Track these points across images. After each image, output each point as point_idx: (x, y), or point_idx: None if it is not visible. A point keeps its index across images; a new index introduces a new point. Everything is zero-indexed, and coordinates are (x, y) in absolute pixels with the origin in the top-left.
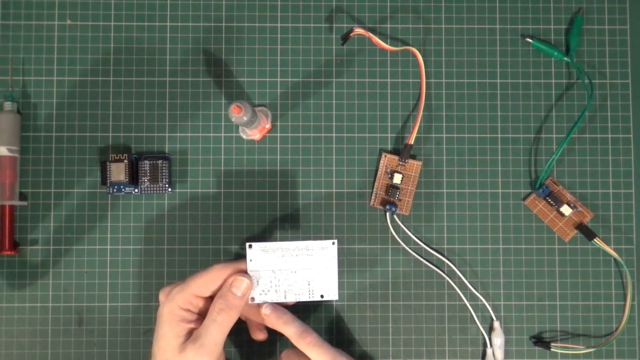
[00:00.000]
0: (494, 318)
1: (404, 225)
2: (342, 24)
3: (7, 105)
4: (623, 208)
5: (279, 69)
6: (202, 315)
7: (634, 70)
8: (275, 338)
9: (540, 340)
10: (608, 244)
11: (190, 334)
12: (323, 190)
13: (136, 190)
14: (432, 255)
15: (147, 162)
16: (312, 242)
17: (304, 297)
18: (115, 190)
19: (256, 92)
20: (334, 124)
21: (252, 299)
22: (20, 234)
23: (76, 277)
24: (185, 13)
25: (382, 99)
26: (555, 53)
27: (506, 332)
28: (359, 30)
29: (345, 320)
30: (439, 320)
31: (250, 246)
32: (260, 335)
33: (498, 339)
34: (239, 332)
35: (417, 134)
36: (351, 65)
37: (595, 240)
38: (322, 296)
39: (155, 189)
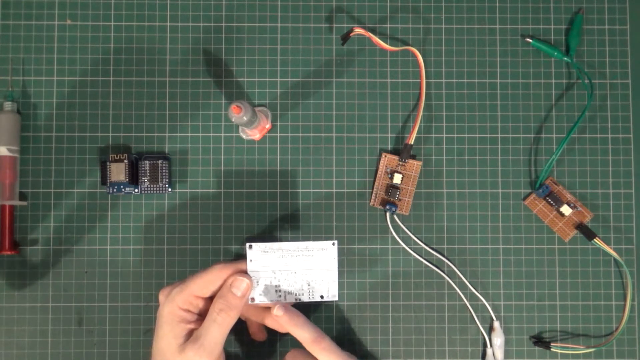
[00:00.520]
0: (494, 318)
1: (404, 225)
2: (342, 24)
3: (7, 105)
4: (623, 208)
5: (279, 69)
6: (202, 316)
7: (634, 70)
8: (275, 338)
9: (540, 340)
10: (608, 244)
11: (190, 335)
12: (323, 190)
13: (136, 190)
14: (432, 255)
15: (147, 162)
16: (312, 242)
17: (304, 298)
18: (115, 190)
19: (256, 92)
20: (334, 124)
21: (252, 299)
22: (20, 234)
23: (76, 277)
24: (185, 13)
25: (382, 99)
26: (555, 53)
27: (506, 332)
28: (359, 30)
29: (345, 320)
30: (439, 320)
31: (250, 246)
32: (260, 336)
33: (498, 339)
34: (239, 332)
35: (417, 134)
36: (351, 65)
37: (595, 240)
38: (322, 297)
39: (155, 189)
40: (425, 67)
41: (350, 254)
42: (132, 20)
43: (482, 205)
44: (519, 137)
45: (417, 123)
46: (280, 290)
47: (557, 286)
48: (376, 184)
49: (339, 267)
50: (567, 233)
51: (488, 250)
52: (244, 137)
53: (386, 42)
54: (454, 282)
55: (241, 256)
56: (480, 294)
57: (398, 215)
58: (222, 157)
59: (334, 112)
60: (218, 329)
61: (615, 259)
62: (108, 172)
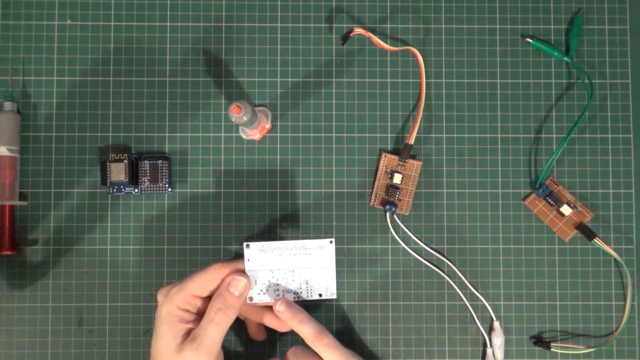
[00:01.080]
0: (494, 318)
1: (404, 225)
2: (342, 24)
3: (7, 105)
4: (623, 208)
5: (279, 69)
6: (200, 315)
7: (634, 70)
8: (275, 338)
9: (540, 340)
10: (608, 244)
11: (188, 334)
12: (323, 190)
13: (136, 190)
14: (432, 255)
15: (147, 162)
16: (309, 241)
17: (303, 296)
18: (115, 190)
19: (256, 92)
20: (334, 124)
21: (251, 298)
22: (20, 234)
23: (76, 277)
24: (185, 13)
25: (382, 99)
26: (555, 53)
27: (506, 332)
28: (359, 30)
29: (345, 320)
30: (439, 320)
31: (247, 246)
32: (259, 336)
33: (498, 339)
34: (238, 332)
35: (417, 134)
36: (351, 65)
37: (595, 240)
38: (320, 295)
39: (155, 189)
40: (425, 67)
41: (350, 253)
42: (132, 20)
43: (482, 205)
44: (519, 137)
45: (417, 123)
46: (278, 289)
47: (557, 286)
48: (376, 184)
49: (338, 267)
50: (567, 233)
51: (488, 250)
52: (244, 137)
53: (386, 42)
54: (454, 282)
55: (240, 256)
56: (480, 294)
57: (398, 215)
58: (222, 157)
59: (334, 112)
60: (216, 328)
61: (615, 259)
62: (108, 172)
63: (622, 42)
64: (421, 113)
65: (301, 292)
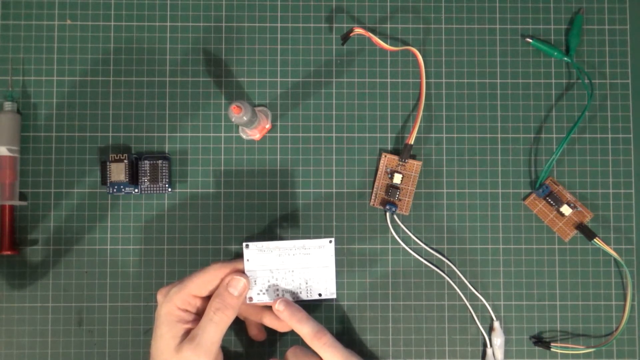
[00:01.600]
0: (494, 318)
1: (404, 225)
2: (342, 24)
3: (7, 105)
4: (623, 208)
5: (279, 69)
6: (200, 315)
7: (634, 70)
8: (275, 338)
9: (540, 340)
10: (608, 244)
11: (187, 334)
12: (323, 190)
13: (136, 190)
14: (432, 255)
15: (147, 162)
16: (309, 240)
17: (302, 296)
18: (115, 190)
19: (256, 92)
20: (334, 124)
21: (250, 298)
22: (20, 234)
23: (76, 277)
24: (185, 13)
25: (382, 99)
26: (555, 53)
27: (506, 332)
28: (359, 30)
29: (345, 320)
30: (439, 320)
31: (247, 246)
32: (259, 336)
33: (498, 339)
34: (238, 332)
35: (417, 134)
36: (351, 65)
37: (595, 240)
38: (320, 295)
39: (155, 189)
40: (425, 67)
41: (350, 253)
42: (132, 20)
43: (482, 205)
44: (519, 137)
45: (417, 123)
46: (278, 289)
47: (557, 286)
48: (376, 184)
49: (338, 267)
50: (567, 233)
51: (488, 250)
52: (244, 137)
53: (386, 42)
54: (454, 282)
55: (240, 256)
56: (480, 294)
57: (398, 215)
58: (222, 157)
59: (334, 112)
60: (215, 328)
61: (615, 259)
62: (108, 172)
63: (622, 42)
64: (421, 113)
65: (301, 292)
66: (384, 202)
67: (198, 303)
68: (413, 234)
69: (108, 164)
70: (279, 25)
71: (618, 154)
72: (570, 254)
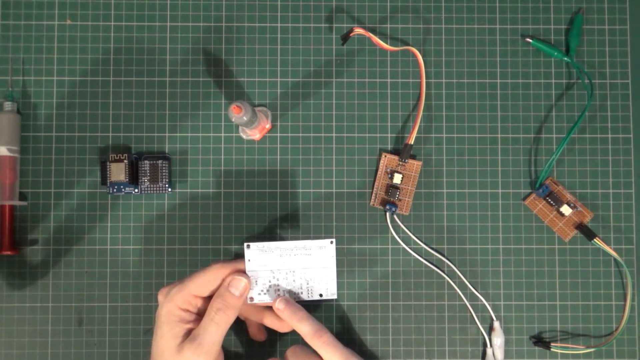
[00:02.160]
0: (494, 318)
1: (404, 225)
2: (342, 24)
3: (7, 105)
4: (623, 208)
5: (279, 69)
6: (200, 316)
7: (634, 70)
8: (275, 338)
9: (540, 340)
10: (608, 244)
11: (188, 334)
12: (323, 190)
13: (136, 190)
14: (432, 255)
15: (147, 162)
16: (310, 241)
17: (303, 297)
18: (115, 190)
19: (256, 92)
20: (334, 124)
21: (251, 299)
22: (20, 234)
23: (76, 277)
24: (185, 13)
25: (382, 99)
26: (555, 53)
27: (506, 332)
28: (359, 30)
29: (345, 320)
30: (439, 320)
31: (248, 246)
32: (259, 336)
33: (498, 339)
34: (239, 332)
35: (417, 134)
36: (351, 65)
37: (595, 240)
38: (320, 295)
39: (155, 189)
40: (425, 67)
41: (350, 254)
42: (132, 20)
43: (482, 205)
44: (519, 137)
45: (417, 123)
46: (279, 290)
47: (557, 286)
48: (376, 184)
49: (338, 267)
50: (567, 233)
51: (488, 250)
52: (244, 137)
53: (386, 42)
54: (454, 282)
55: (240, 256)
56: (480, 294)
57: (398, 215)
58: (222, 157)
59: (334, 112)
60: (216, 328)
61: (615, 259)
62: (108, 172)
63: (622, 42)
64: (421, 113)
65: (302, 293)
66: (384, 202)
67: (199, 303)
68: (413, 234)
69: (108, 164)
70: (279, 25)
71: (618, 154)
72: (570, 254)
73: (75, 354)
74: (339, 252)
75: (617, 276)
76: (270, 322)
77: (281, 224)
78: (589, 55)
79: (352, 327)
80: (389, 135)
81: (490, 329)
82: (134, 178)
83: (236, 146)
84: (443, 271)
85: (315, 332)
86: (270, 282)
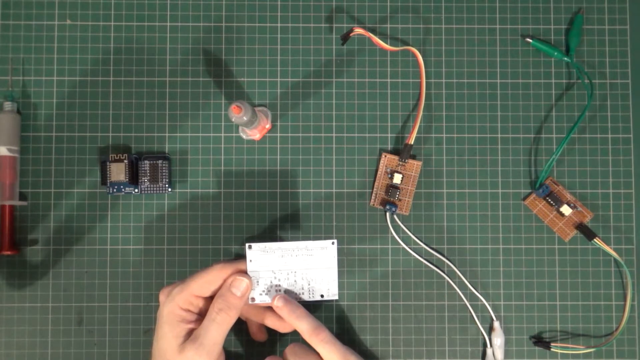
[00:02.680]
0: (494, 318)
1: (404, 225)
2: (342, 24)
3: (7, 105)
4: (623, 208)
5: (279, 69)
6: (202, 316)
7: (634, 70)
8: (275, 338)
9: (540, 340)
10: (608, 244)
11: (190, 334)
12: (323, 190)
13: (136, 190)
14: (432, 255)
15: (147, 162)
16: (311, 242)
17: (304, 297)
18: (115, 190)
19: (256, 92)
20: (334, 124)
21: (252, 299)
22: (20, 234)
23: (76, 277)
24: (185, 13)
25: (382, 99)
26: (555, 53)
27: (506, 332)
28: (359, 30)
29: (345, 320)
30: (439, 320)
31: (250, 247)
32: (260, 336)
33: (498, 339)
34: (239, 332)
35: (417, 134)
36: (351, 65)
37: (595, 240)
38: (322, 296)
39: (155, 189)
40: (425, 67)
41: (350, 254)
42: (132, 20)
43: (482, 205)
44: (519, 137)
45: (417, 123)
46: (280, 290)
47: (557, 286)
48: (376, 184)
49: (339, 267)
50: (567, 233)
51: (488, 250)
52: (244, 137)
53: (386, 42)
54: (454, 282)
55: (241, 256)
56: (480, 294)
57: (398, 215)
58: (222, 157)
59: (334, 112)
60: (217, 328)
61: (615, 259)
62: (108, 172)
63: (622, 42)
64: (421, 113)
65: (303, 293)
66: (384, 202)
67: (200, 303)
68: (413, 234)
69: (108, 164)
70: (279, 25)
71: (618, 154)
72: (570, 254)
73: (75, 354)
74: (339, 252)
75: (617, 276)
76: (271, 322)
77: (281, 224)
78: (589, 55)
79: (352, 327)
80: (389, 135)
81: (490, 329)
82: (134, 178)
83: (236, 146)
84: (443, 271)
85: (314, 330)
86: (271, 282)
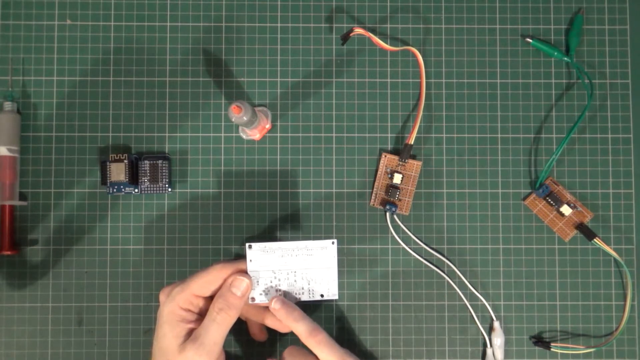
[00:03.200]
0: (494, 318)
1: (404, 225)
2: (342, 24)
3: (7, 105)
4: (623, 208)
5: (279, 69)
6: (202, 315)
7: (634, 70)
8: (275, 338)
9: (540, 340)
10: (608, 244)
11: (190, 334)
12: (323, 190)
13: (136, 190)
14: (432, 255)
15: (147, 162)
16: (311, 242)
17: (304, 297)
18: (115, 190)
19: (256, 92)
20: (334, 124)
21: (252, 299)
22: (20, 234)
23: (76, 277)
24: (185, 13)
25: (382, 99)
26: (555, 53)
27: (506, 332)
28: (359, 30)
29: (345, 320)
30: (439, 320)
31: (250, 246)
32: (260, 336)
33: (498, 339)
34: (239, 332)
35: (417, 134)
36: (351, 65)
37: (595, 240)
38: (322, 296)
39: (155, 189)
40: (425, 67)
41: (350, 254)
42: (132, 20)
43: (482, 205)
44: (519, 137)
45: (417, 123)
46: (280, 290)
47: (557, 286)
48: (376, 184)
49: (339, 267)
50: (567, 233)
51: (488, 250)
52: (244, 137)
53: (386, 42)
54: (454, 282)
55: (241, 256)
56: (480, 294)
57: (398, 215)
58: (222, 157)
59: (334, 112)
60: (217, 328)
61: (615, 259)
62: (108, 172)
63: (622, 42)
64: (421, 113)
65: (303, 293)
66: (384, 202)
67: (200, 303)
68: (413, 234)
69: (108, 164)
70: (279, 25)
71: (618, 154)
72: (570, 254)
73: (75, 354)
74: (339, 252)
75: (617, 276)
76: (271, 322)
77: (281, 224)
78: (589, 55)
79: (352, 327)
80: (389, 135)
81: (490, 329)
82: (134, 178)
83: (236, 146)
84: (443, 271)
85: (311, 332)
86: (271, 282)
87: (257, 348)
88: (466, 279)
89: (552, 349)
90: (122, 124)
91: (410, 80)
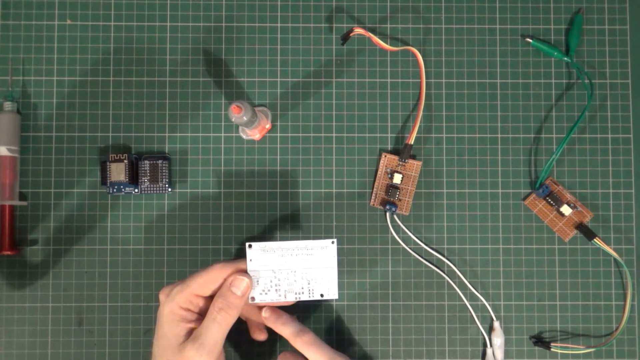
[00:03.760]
0: (494, 318)
1: (404, 225)
2: (342, 24)
3: (7, 105)
4: (623, 208)
5: (279, 69)
6: (202, 315)
7: (634, 70)
8: (276, 338)
9: (540, 340)
10: (608, 244)
11: (190, 334)
12: (323, 190)
13: (136, 190)
14: (432, 255)
15: (147, 162)
16: (311, 241)
17: (304, 297)
18: (115, 190)
19: (256, 92)
20: (334, 124)
21: (253, 298)
22: (20, 234)
23: (76, 277)
24: (185, 13)
25: (382, 99)
26: (555, 53)
27: (506, 332)
28: (359, 30)
29: (345, 320)
30: (439, 320)
31: (250, 246)
32: (260, 336)
33: (498, 339)
34: (239, 332)
35: (417, 134)
36: (351, 65)
37: (595, 240)
38: (322, 295)
39: (155, 189)
40: (425, 67)
41: (350, 254)
42: (132, 20)
43: (482, 205)
44: (519, 137)
45: (417, 123)
46: (280, 289)
47: (557, 286)
48: (376, 184)
49: (339, 267)
50: (567, 233)
51: (488, 250)
52: (244, 137)
53: (386, 42)
54: (454, 282)
55: (240, 256)
56: (480, 294)
57: (398, 215)
58: (222, 157)
59: (334, 112)
60: (218, 328)
61: (615, 259)
62: (108, 172)
63: (622, 42)
64: (421, 113)
65: (303, 293)
66: (384, 202)
67: (201, 303)
68: (413, 234)
69: (108, 164)
70: (279, 25)
71: (618, 154)
72: (570, 254)
73: (75, 354)
74: (338, 252)
75: (617, 276)
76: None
77: (281, 224)
78: (589, 55)
79: (352, 327)
80: (389, 135)
81: (490, 329)
82: (134, 178)
83: (236, 146)
84: (443, 271)
85: (297, 333)
86: (271, 282)
87: (257, 348)
88: (466, 279)
89: (552, 349)
90: (122, 124)
91: (410, 80)
